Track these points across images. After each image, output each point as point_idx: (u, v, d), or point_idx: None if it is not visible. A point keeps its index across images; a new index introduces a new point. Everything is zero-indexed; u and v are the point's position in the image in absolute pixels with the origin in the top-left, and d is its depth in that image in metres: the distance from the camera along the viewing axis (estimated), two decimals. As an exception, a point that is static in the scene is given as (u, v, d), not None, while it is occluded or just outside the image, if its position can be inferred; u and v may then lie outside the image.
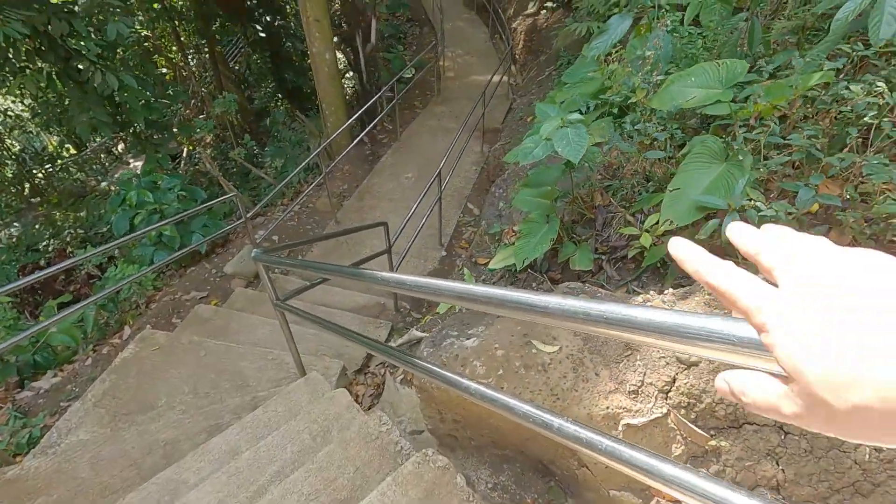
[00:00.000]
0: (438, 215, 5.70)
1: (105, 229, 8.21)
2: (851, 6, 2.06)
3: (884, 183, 1.61)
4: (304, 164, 6.15)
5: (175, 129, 8.68)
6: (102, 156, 12.49)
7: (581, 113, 3.58)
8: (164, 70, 11.71)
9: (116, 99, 6.34)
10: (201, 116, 10.79)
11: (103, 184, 10.47)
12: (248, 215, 4.95)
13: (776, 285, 0.34)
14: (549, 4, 10.02)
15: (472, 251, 4.49)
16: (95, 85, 5.72)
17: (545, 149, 2.47)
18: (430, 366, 1.35)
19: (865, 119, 1.74)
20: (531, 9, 10.89)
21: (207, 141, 11.14)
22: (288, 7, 10.57)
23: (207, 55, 10.97)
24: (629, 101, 2.97)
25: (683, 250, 0.41)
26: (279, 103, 11.49)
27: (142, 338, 3.79)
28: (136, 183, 6.22)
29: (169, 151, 8.31)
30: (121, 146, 12.35)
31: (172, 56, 11.93)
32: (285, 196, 7.37)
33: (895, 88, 1.81)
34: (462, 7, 14.93)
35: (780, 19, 3.19)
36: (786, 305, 0.32)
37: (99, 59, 5.79)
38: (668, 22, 3.13)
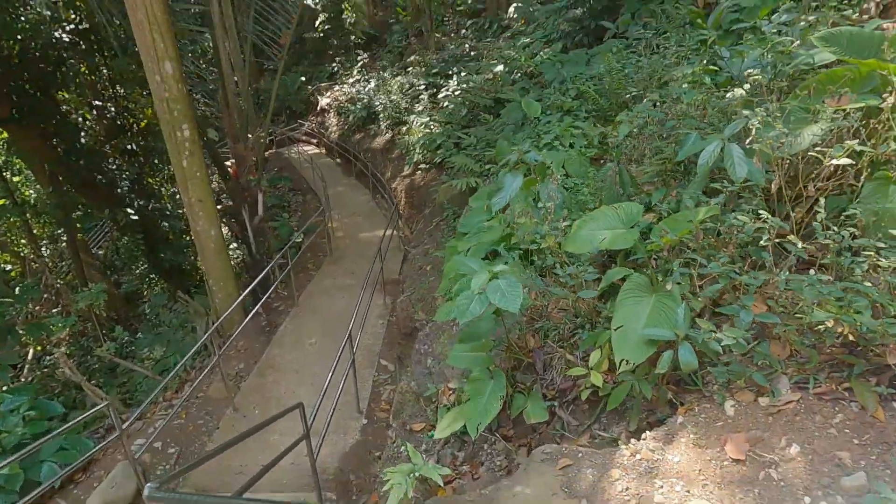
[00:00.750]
0: (353, 381, 5.25)
1: None
2: (706, 155, 2.49)
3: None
4: (195, 347, 5.45)
5: (21, 331, 7.37)
6: None
7: (492, 258, 3.72)
8: (9, 266, 10.34)
9: (-58, 308, 5.28)
10: (55, 311, 9.41)
11: None
12: (126, 426, 4.05)
13: None
14: (423, 166, 11.16)
15: (405, 418, 4.09)
16: (-86, 297, 4.74)
17: (481, 303, 2.42)
18: None
19: (761, 242, 1.98)
20: (407, 170, 12.02)
21: (62, 337, 9.60)
22: (163, 189, 10.35)
23: (66, 244, 10.00)
24: (539, 247, 3.16)
25: None
26: (153, 284, 10.57)
27: None
28: (-39, 410, 4.92)
29: (9, 360, 6.93)
30: (-61, 361, 10.05)
31: (20, 249, 10.68)
32: (168, 389, 6.33)
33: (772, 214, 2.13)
34: (341, 174, 16.07)
35: (634, 164, 3.79)
36: None
37: (-77, 267, 4.89)
38: (559, 177, 3.55)
